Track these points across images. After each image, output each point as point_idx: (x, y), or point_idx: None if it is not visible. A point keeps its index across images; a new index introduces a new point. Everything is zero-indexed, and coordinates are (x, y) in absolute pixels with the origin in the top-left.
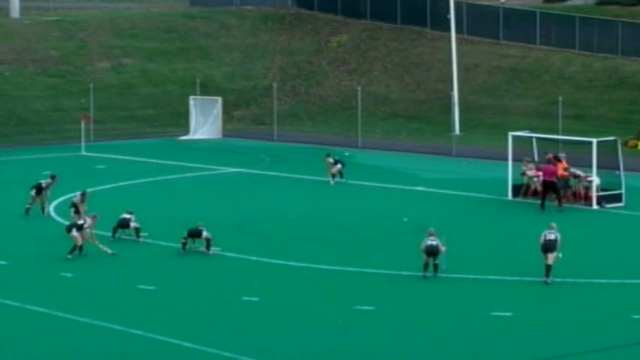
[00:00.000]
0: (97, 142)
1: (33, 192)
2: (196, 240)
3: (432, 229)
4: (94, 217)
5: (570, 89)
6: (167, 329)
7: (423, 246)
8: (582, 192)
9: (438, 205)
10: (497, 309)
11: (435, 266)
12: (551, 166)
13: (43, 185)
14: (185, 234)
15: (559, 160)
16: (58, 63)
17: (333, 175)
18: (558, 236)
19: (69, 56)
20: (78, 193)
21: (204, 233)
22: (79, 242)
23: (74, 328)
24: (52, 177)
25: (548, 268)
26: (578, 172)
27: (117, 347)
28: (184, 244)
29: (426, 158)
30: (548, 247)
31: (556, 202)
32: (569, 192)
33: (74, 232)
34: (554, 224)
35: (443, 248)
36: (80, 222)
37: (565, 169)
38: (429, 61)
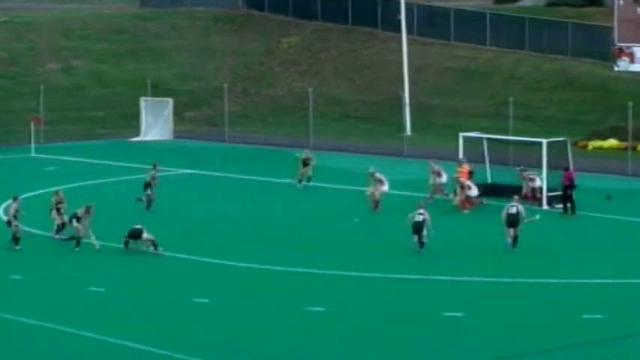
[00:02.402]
0: (47, 144)
1: None
2: (138, 241)
3: (421, 203)
4: (88, 208)
5: (520, 90)
6: (118, 331)
7: (410, 221)
8: (530, 193)
9: (389, 206)
10: (449, 309)
11: (422, 243)
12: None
13: None
14: (126, 234)
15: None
16: (7, 64)
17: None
18: (520, 208)
19: (18, 57)
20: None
21: (145, 235)
22: (81, 233)
23: (24, 330)
24: None
25: (515, 239)
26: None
27: (67, 350)
28: (126, 243)
29: (378, 159)
30: (511, 221)
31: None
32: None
33: (75, 224)
34: (516, 197)
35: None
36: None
37: (470, 173)
38: (381, 62)
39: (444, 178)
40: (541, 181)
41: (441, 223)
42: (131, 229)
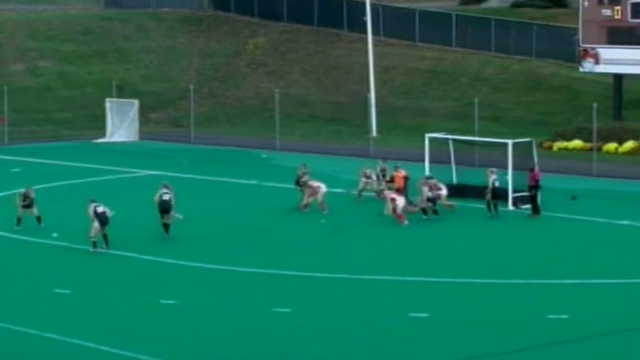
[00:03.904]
0: (11, 145)
1: None
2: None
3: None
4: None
5: (487, 91)
6: (83, 333)
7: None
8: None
9: (356, 207)
10: (415, 310)
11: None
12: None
13: None
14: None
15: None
16: None
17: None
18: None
19: None
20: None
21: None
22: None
23: None
24: None
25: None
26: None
27: (33, 352)
28: (94, 243)
29: (345, 160)
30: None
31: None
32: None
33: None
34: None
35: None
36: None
37: (405, 179)
38: (347, 63)
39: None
40: (447, 190)
41: (411, 221)
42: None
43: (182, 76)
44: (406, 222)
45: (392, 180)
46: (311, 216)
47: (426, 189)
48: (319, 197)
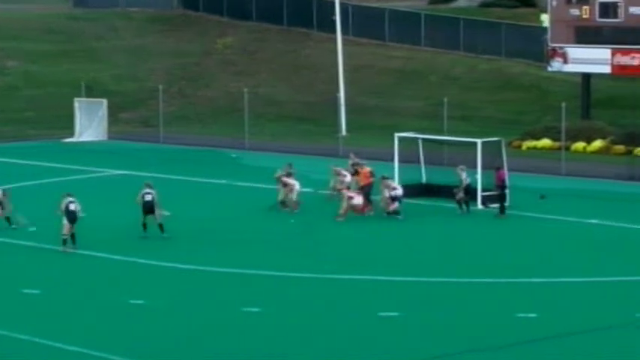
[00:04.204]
0: None
1: None
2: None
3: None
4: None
5: (457, 90)
6: (53, 333)
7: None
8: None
9: (325, 206)
10: (385, 309)
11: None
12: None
13: None
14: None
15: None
16: None
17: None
18: None
19: None
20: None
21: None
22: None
23: None
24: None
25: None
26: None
27: (1, 352)
28: (64, 240)
29: (314, 159)
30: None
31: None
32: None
33: None
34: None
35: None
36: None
37: (371, 175)
38: (317, 62)
39: (348, 179)
40: (400, 191)
41: (378, 223)
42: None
43: (151, 76)
44: (341, 219)
45: (356, 173)
46: (280, 216)
47: (386, 189)
48: (294, 196)
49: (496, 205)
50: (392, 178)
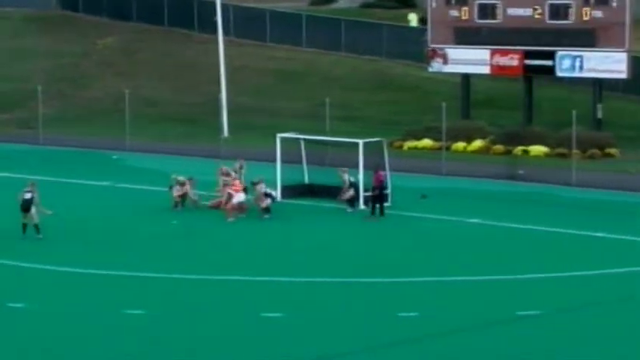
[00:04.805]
0: None
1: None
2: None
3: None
4: None
5: (338, 91)
6: None
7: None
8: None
9: (206, 208)
10: (267, 310)
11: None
12: None
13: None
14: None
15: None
16: None
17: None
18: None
19: None
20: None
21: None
22: None
23: None
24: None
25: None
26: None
27: None
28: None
29: (196, 161)
30: None
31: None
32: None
33: None
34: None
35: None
36: None
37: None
38: (198, 63)
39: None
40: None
41: (260, 224)
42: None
43: (30, 77)
44: (231, 219)
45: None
46: (163, 217)
47: (259, 188)
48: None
49: (368, 207)
50: (262, 181)
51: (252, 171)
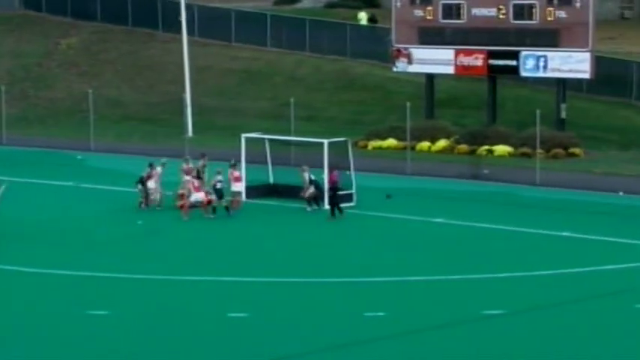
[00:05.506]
0: None
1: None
2: None
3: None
4: None
5: (302, 91)
6: None
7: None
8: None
9: (172, 207)
10: (233, 310)
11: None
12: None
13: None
14: None
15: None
16: None
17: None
18: None
19: None
20: None
21: None
22: None
23: None
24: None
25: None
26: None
27: None
28: None
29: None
30: None
31: None
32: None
33: None
34: None
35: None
36: None
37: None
38: (162, 63)
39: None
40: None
41: (224, 223)
42: None
43: None
44: (186, 218)
45: (198, 177)
46: (128, 217)
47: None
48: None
49: (344, 205)
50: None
51: (211, 169)
